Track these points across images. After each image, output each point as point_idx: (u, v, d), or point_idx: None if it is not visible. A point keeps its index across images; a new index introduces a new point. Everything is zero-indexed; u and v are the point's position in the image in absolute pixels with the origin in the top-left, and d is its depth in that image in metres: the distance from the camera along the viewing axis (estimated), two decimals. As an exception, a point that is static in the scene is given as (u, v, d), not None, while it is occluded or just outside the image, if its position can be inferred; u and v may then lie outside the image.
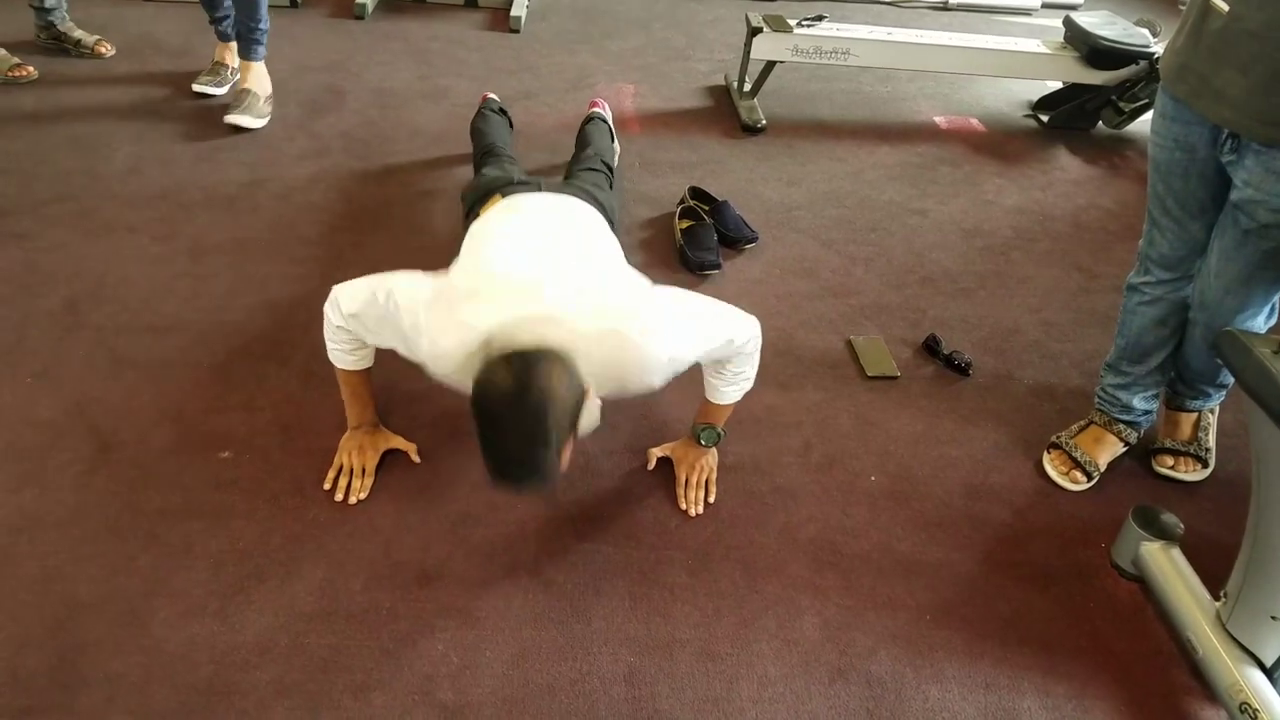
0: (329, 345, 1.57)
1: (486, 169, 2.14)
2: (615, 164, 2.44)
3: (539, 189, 1.85)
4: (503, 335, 1.26)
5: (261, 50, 2.75)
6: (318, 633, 1.41)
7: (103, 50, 3.05)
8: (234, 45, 2.83)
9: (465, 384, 1.31)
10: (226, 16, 2.80)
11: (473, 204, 1.90)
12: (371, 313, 1.45)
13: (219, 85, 2.86)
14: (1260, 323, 1.62)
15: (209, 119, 2.73)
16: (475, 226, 1.69)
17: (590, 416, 1.33)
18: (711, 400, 1.65)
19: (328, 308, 1.53)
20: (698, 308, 1.50)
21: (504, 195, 1.80)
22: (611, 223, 1.84)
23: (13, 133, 2.61)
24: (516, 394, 1.20)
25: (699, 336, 1.46)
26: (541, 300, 1.35)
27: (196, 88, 2.84)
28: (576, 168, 2.23)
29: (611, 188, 2.19)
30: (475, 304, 1.35)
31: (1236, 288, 1.55)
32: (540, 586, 1.51)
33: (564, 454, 1.29)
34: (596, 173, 2.18)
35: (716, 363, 1.57)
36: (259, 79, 2.77)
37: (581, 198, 1.81)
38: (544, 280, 1.39)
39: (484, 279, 1.42)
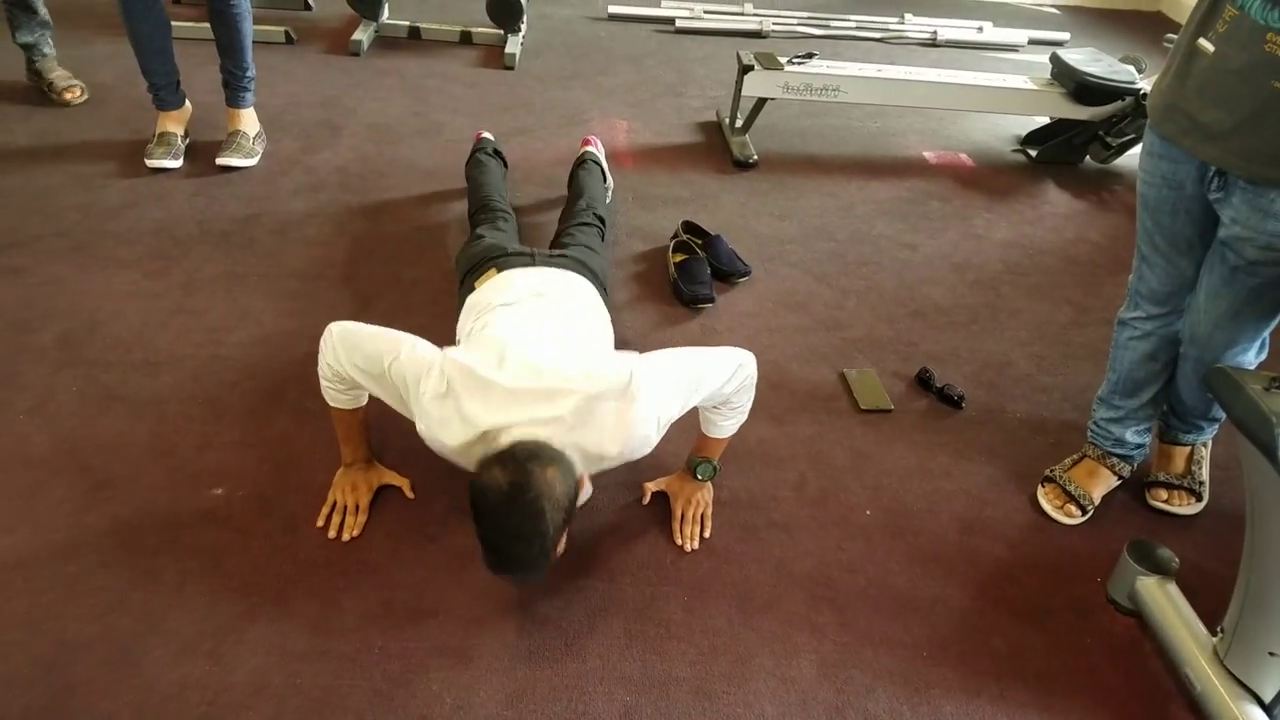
0: (323, 383, 1.57)
1: (482, 229, 2.15)
2: (609, 207, 2.46)
3: (533, 261, 1.86)
4: (500, 431, 1.34)
5: (249, 98, 2.73)
6: (311, 673, 1.39)
7: (70, 97, 2.95)
8: (175, 114, 2.70)
9: (459, 460, 1.39)
10: (166, 84, 2.64)
11: (467, 271, 1.92)
12: (373, 371, 1.46)
13: (175, 157, 2.66)
14: (1250, 357, 1.63)
15: (205, 154, 2.74)
16: (472, 300, 1.75)
17: (582, 497, 1.40)
18: (708, 435, 1.66)
19: (324, 346, 1.51)
20: (682, 371, 1.48)
21: (499, 269, 1.83)
22: (603, 288, 1.91)
23: (8, 167, 2.62)
24: (512, 495, 1.26)
25: (685, 393, 1.48)
26: (538, 396, 1.38)
27: (150, 163, 2.64)
28: (569, 224, 2.23)
29: (604, 239, 2.23)
30: (476, 403, 1.37)
31: (1226, 323, 1.57)
32: (535, 624, 1.50)
33: (559, 544, 1.35)
34: (589, 228, 2.20)
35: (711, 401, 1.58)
36: (248, 120, 2.77)
37: (574, 269, 1.86)
38: (540, 369, 1.42)
39: (483, 383, 1.40)
